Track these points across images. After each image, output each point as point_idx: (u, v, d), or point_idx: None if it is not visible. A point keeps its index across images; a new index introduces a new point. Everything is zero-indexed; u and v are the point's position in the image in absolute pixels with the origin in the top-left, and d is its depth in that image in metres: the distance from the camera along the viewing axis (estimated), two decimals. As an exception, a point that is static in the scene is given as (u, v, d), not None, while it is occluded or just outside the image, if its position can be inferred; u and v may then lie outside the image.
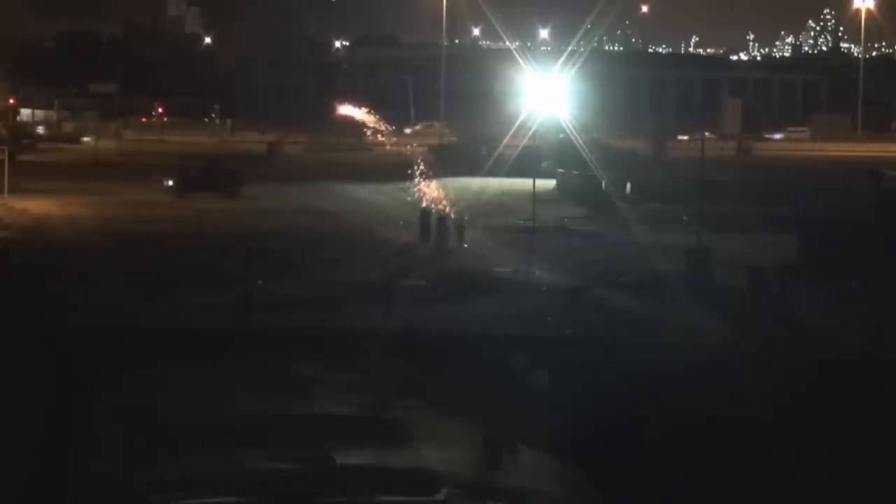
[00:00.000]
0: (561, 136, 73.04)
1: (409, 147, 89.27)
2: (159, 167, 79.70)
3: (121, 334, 34.35)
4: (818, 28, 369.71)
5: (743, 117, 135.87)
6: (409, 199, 60.00)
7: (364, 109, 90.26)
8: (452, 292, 41.63)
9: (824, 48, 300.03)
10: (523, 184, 66.10)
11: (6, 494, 22.95)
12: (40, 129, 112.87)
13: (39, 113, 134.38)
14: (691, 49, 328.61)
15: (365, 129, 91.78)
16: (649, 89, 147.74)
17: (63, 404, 28.39)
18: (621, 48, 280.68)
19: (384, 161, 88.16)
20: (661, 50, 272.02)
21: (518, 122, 71.17)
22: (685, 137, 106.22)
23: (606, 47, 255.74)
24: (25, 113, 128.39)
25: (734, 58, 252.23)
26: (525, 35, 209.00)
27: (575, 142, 70.08)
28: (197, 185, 69.15)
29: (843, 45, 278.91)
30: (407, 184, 62.47)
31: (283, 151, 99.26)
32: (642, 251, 49.87)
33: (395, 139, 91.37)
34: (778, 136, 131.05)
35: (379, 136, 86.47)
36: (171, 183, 69.42)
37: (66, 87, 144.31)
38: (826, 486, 24.48)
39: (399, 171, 69.90)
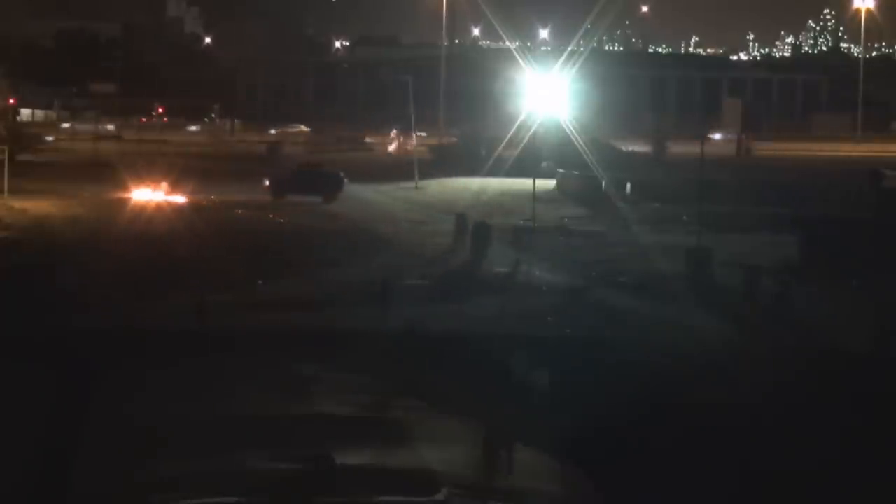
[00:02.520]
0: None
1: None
2: (160, 166, 79.32)
3: (121, 334, 34.33)
4: (818, 28, 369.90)
5: (743, 117, 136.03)
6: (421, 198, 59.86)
7: None
8: (452, 292, 41.62)
9: (824, 48, 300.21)
10: (523, 184, 66.05)
11: (6, 494, 22.94)
12: None
13: (39, 113, 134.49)
14: (691, 49, 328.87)
15: None
16: (649, 89, 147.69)
17: (63, 404, 28.36)
18: (621, 48, 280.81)
19: (383, 160, 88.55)
20: (661, 50, 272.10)
21: (518, 122, 71.21)
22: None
23: (606, 47, 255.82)
24: (25, 113, 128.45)
25: (734, 58, 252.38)
26: (525, 35, 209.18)
27: (575, 142, 70.09)
28: (294, 187, 68.15)
29: (843, 45, 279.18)
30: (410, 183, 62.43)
31: (283, 151, 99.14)
32: (642, 251, 49.83)
33: None
34: None
35: None
36: (267, 183, 68.90)
37: (66, 87, 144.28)
38: (827, 486, 24.47)
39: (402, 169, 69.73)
